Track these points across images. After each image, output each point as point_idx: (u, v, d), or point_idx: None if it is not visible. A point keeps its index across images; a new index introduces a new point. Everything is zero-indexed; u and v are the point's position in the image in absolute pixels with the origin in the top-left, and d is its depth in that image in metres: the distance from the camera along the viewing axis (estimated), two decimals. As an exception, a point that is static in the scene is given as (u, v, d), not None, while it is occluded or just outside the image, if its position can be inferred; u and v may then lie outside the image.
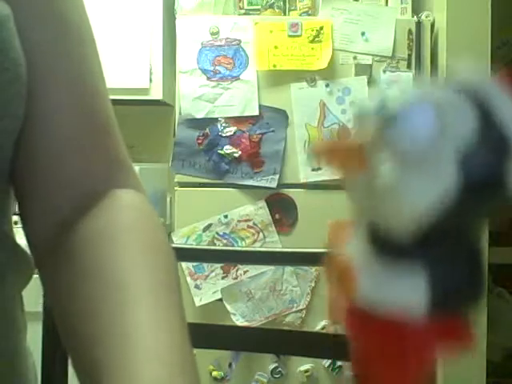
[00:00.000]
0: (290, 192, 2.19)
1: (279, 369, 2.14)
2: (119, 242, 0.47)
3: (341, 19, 2.20)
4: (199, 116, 2.18)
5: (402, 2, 2.28)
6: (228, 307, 2.16)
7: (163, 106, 2.55)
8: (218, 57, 2.19)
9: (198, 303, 2.16)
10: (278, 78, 2.19)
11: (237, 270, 2.15)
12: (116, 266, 0.45)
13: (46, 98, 0.50)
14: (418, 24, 2.21)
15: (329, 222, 0.39)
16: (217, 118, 2.18)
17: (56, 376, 0.88)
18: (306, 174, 2.17)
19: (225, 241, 2.19)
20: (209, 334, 0.97)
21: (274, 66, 2.18)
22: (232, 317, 2.15)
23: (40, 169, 0.51)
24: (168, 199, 2.47)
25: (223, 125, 2.18)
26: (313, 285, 2.16)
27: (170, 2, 2.38)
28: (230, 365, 2.15)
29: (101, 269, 0.45)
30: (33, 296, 0.64)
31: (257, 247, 2.11)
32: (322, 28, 2.18)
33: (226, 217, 2.18)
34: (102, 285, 0.44)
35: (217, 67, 2.19)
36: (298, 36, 2.18)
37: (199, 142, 2.19)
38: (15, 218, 0.54)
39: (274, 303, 2.16)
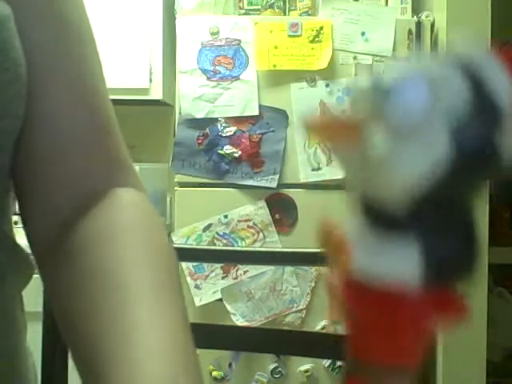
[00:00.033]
0: (290, 192, 2.19)
1: (279, 369, 2.14)
2: (120, 242, 0.47)
3: (341, 19, 2.20)
4: (199, 116, 2.18)
5: (401, 2, 2.28)
6: (228, 307, 2.16)
7: (163, 106, 2.55)
8: (218, 57, 2.19)
9: (197, 303, 2.15)
10: (278, 78, 2.18)
11: (237, 270, 2.15)
12: (117, 266, 0.45)
13: (46, 98, 0.50)
14: (418, 24, 2.21)
15: (321, 220, 0.39)
16: (217, 118, 2.18)
17: (56, 376, 0.88)
18: (305, 174, 2.17)
19: (225, 241, 2.19)
20: (209, 334, 0.97)
21: (274, 66, 2.18)
22: (232, 317, 2.15)
23: (40, 169, 0.51)
24: (168, 199, 2.47)
25: (223, 125, 2.18)
26: (313, 285, 2.16)
27: (169, 2, 2.38)
28: (230, 365, 2.15)
29: (102, 268, 0.45)
30: (33, 296, 0.64)
31: (257, 247, 2.11)
32: (321, 28, 2.18)
33: (226, 217, 2.18)
34: (102, 284, 0.44)
35: (217, 67, 2.18)
36: (297, 36, 2.18)
37: (199, 142, 2.19)
38: (15, 217, 0.54)
39: (274, 303, 2.16)
